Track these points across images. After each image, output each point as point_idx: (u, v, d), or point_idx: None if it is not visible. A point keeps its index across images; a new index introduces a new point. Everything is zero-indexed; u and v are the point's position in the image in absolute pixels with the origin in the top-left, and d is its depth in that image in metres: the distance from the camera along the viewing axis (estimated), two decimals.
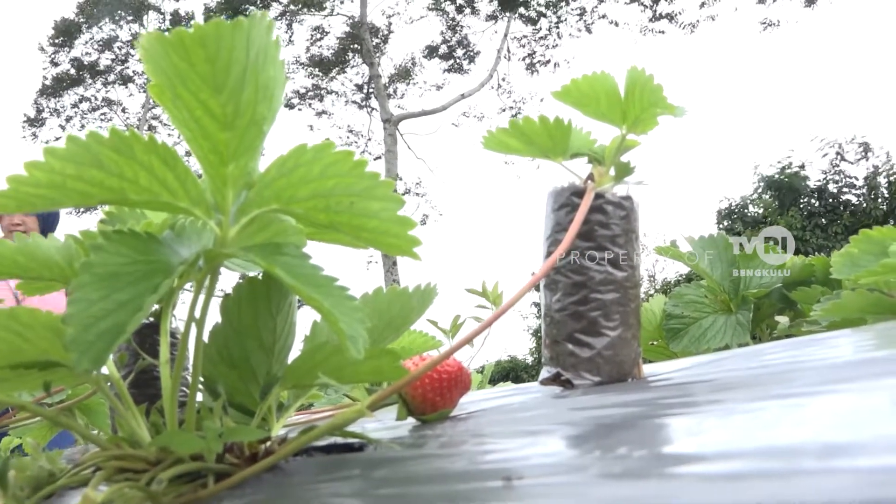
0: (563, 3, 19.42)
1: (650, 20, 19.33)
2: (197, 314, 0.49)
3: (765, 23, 18.77)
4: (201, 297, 0.49)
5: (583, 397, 0.53)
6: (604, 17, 19.56)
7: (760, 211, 14.89)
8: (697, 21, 18.99)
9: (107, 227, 0.57)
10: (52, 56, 23.26)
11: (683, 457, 0.30)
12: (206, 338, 0.55)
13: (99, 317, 0.40)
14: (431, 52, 19.50)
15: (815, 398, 0.34)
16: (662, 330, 1.08)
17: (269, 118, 0.45)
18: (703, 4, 18.73)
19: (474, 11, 19.81)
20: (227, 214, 0.45)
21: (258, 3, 21.26)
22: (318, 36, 21.02)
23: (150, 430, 0.53)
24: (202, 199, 0.45)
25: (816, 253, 1.44)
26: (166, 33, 0.41)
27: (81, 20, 23.17)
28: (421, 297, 0.68)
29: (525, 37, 19.84)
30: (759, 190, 15.20)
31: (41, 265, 0.51)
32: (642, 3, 19.23)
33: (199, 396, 0.55)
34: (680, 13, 19.22)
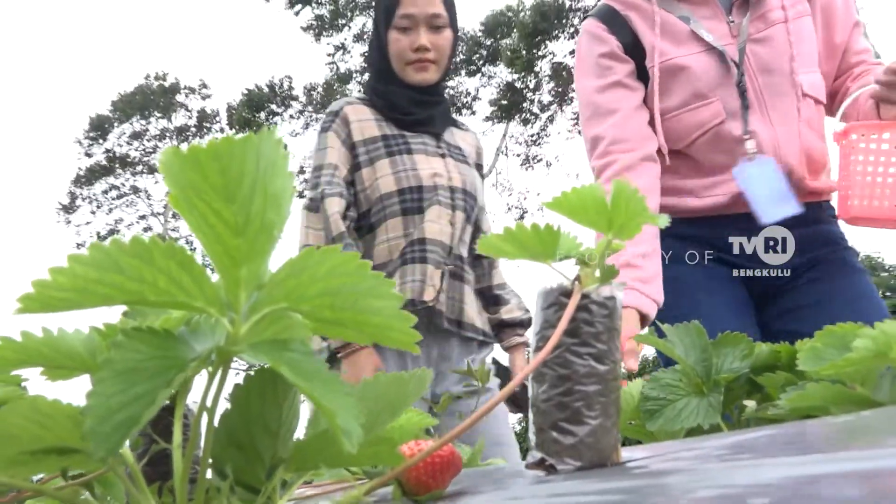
0: (555, 107, 19.79)
1: None
2: (209, 403, 0.49)
3: None
4: (213, 388, 0.49)
5: (564, 483, 0.52)
6: None
7: None
8: None
9: (128, 320, 0.57)
10: (87, 149, 23.57)
11: None
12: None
13: (115, 409, 0.39)
14: None
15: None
16: (640, 411, 1.07)
17: (278, 225, 0.45)
18: None
19: (473, 112, 20.21)
20: (239, 313, 0.45)
21: (277, 100, 21.67)
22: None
23: None
24: (217, 299, 0.45)
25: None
26: (183, 147, 0.42)
27: (115, 116, 23.55)
28: (416, 382, 0.68)
29: (521, 134, 20.19)
30: None
31: (64, 356, 0.51)
32: None
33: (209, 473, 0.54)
34: None
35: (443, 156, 2.21)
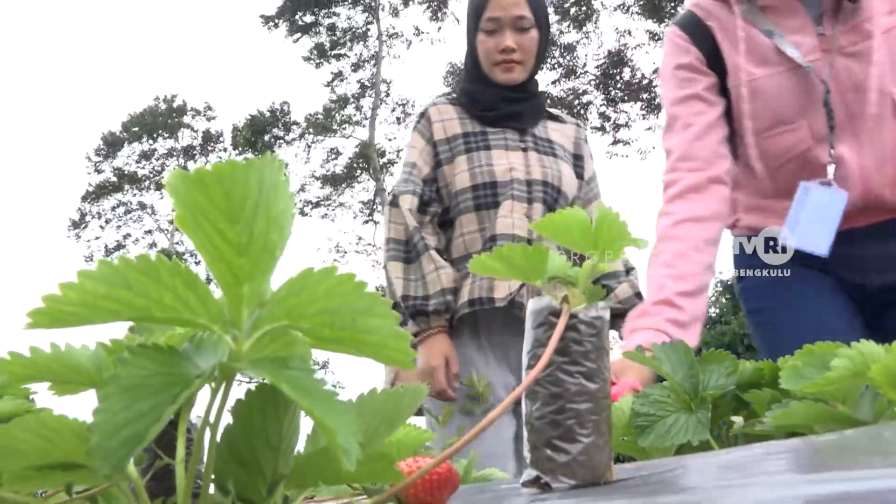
0: None
1: (610, 144, 20.01)
2: (211, 419, 0.48)
3: None
4: (216, 403, 0.48)
5: (560, 501, 0.52)
6: None
7: (718, 311, 14.86)
8: (653, 148, 19.69)
9: (134, 336, 0.56)
10: (97, 165, 23.58)
11: None
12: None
13: (121, 426, 0.39)
14: None
15: None
16: (631, 427, 1.06)
17: (279, 245, 0.45)
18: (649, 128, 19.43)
19: None
20: (241, 330, 0.45)
21: (280, 125, 21.77)
22: (333, 156, 21.49)
23: None
24: (220, 316, 0.44)
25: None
26: (188, 169, 0.42)
27: (125, 136, 23.59)
28: (412, 396, 0.68)
29: None
30: (718, 294, 15.23)
31: (72, 371, 0.50)
32: (604, 129, 19.90)
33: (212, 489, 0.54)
34: (636, 140, 19.95)
35: (525, 150, 2.17)
